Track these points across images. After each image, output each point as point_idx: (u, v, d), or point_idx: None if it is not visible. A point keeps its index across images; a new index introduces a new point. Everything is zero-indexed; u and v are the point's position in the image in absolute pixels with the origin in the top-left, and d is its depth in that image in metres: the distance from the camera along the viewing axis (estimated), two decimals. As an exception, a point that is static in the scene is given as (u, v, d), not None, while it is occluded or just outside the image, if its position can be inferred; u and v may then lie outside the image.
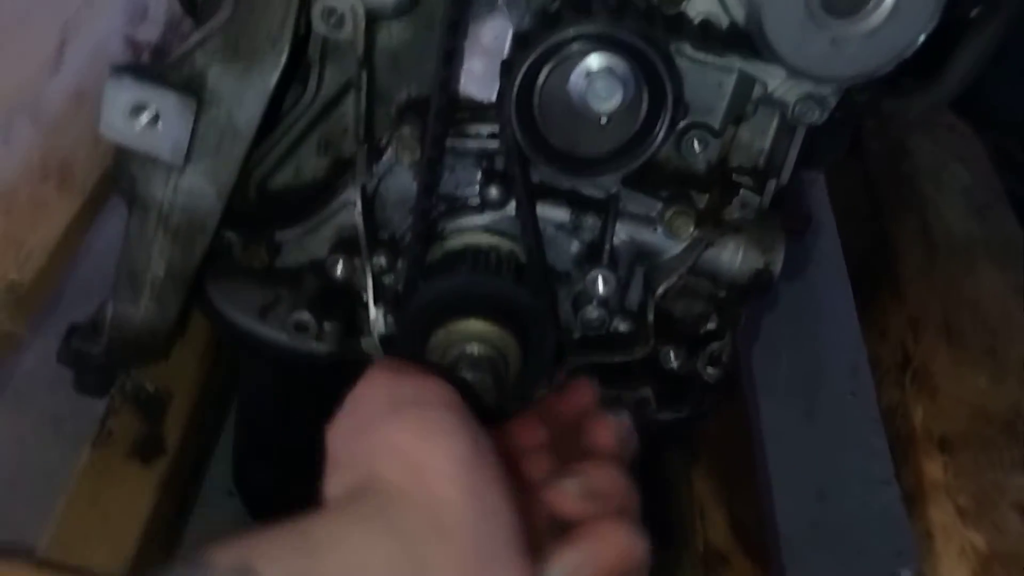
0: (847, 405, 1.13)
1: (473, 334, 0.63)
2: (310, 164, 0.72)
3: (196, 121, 0.62)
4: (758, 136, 0.69)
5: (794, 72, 0.55)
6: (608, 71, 0.56)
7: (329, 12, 0.61)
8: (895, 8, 0.50)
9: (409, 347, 0.65)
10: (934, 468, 0.72)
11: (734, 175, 0.70)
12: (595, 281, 0.67)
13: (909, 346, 0.80)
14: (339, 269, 0.70)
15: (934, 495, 0.70)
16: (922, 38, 0.52)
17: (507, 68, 0.58)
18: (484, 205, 0.68)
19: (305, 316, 0.69)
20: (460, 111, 0.67)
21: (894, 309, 0.84)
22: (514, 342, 0.64)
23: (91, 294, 0.78)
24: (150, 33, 0.84)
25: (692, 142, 0.67)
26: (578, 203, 0.68)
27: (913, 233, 0.90)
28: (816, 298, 1.12)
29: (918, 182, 0.97)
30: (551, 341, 0.66)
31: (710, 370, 0.74)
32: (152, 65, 0.62)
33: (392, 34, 0.65)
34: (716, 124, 0.67)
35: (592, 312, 0.69)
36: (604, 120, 0.59)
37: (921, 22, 0.51)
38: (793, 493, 1.05)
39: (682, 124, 0.65)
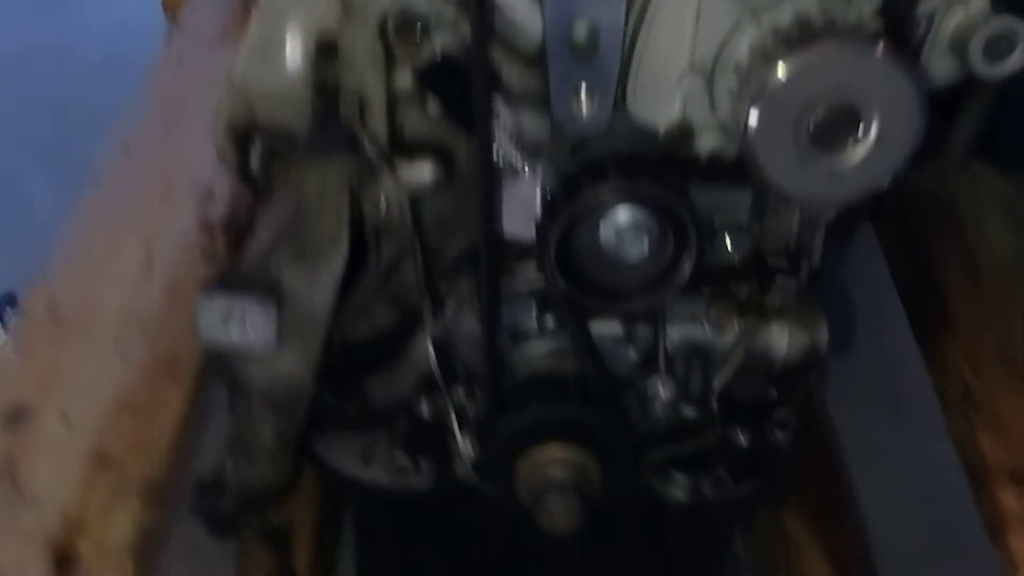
0: (930, 402, 1.14)
1: (553, 459, 0.70)
2: (383, 317, 0.79)
3: (279, 317, 0.70)
4: (784, 223, 0.73)
5: (798, 201, 0.60)
6: (632, 224, 0.62)
7: (376, 202, 0.69)
8: (879, 138, 0.55)
9: (499, 478, 0.72)
10: (1009, 500, 0.75)
11: (769, 259, 0.75)
12: (656, 388, 0.73)
13: (968, 378, 0.84)
14: (425, 409, 0.77)
15: (1013, 526, 0.74)
16: (911, 154, 0.56)
17: (541, 234, 0.65)
18: (543, 332, 0.74)
19: (403, 458, 0.76)
20: (506, 252, 0.73)
21: (948, 341, 0.87)
22: (592, 459, 0.70)
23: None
24: (219, 211, 0.93)
25: (724, 239, 0.72)
26: (628, 315, 0.74)
27: (956, 259, 0.92)
28: (879, 336, 1.13)
29: (954, 200, 0.99)
30: (626, 450, 0.73)
31: (780, 435, 0.79)
32: (234, 275, 0.70)
33: (435, 202, 0.72)
34: (743, 220, 0.72)
35: (658, 411, 0.75)
36: (637, 261, 0.64)
37: (907, 143, 0.55)
38: (888, 518, 1.07)
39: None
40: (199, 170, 0.92)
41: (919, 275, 0.94)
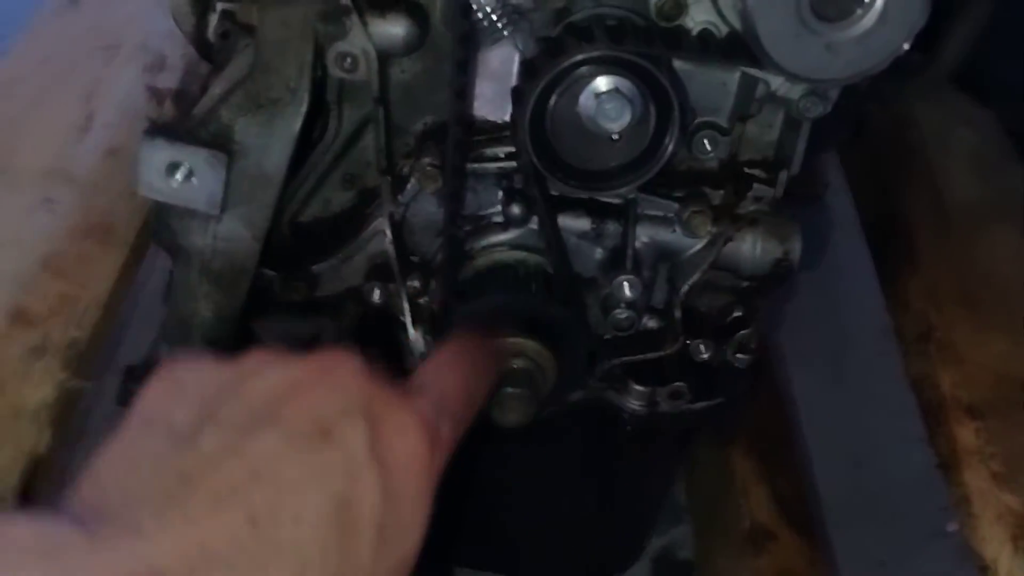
0: (876, 367, 1.14)
1: (510, 351, 0.66)
2: (338, 197, 0.75)
3: (228, 172, 0.65)
4: (765, 130, 0.71)
5: (793, 78, 0.57)
6: (615, 91, 0.59)
7: (343, 56, 0.64)
8: (884, 10, 0.52)
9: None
10: (966, 434, 0.74)
11: (746, 169, 0.72)
12: (621, 287, 0.69)
13: (931, 317, 0.83)
14: (376, 295, 0.73)
15: (968, 461, 0.73)
16: (913, 35, 0.53)
17: (517, 96, 0.61)
18: (508, 223, 0.71)
19: (350, 347, 0.72)
20: (476, 134, 0.69)
21: (913, 281, 0.86)
22: (549, 353, 0.67)
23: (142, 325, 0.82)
24: (170, 80, 0.87)
25: (702, 141, 0.69)
26: (598, 211, 0.71)
27: (925, 203, 0.92)
28: (837, 264, 1.13)
29: (925, 150, 0.98)
30: (583, 348, 0.69)
31: (739, 357, 0.77)
32: (181, 123, 0.65)
33: (404, 69, 0.68)
34: (724, 122, 0.69)
35: (621, 315, 0.71)
36: (616, 137, 0.61)
37: (911, 21, 0.53)
38: (832, 460, 1.06)
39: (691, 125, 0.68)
40: (151, 35, 0.86)
41: (886, 216, 0.93)
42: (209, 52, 0.83)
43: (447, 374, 0.49)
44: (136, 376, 0.79)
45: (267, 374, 0.43)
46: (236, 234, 0.68)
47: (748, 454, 0.98)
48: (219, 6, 0.80)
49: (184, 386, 0.42)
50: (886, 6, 0.52)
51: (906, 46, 0.54)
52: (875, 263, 0.96)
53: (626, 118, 0.59)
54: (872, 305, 0.94)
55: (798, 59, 0.54)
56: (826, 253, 0.99)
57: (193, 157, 0.64)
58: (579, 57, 0.58)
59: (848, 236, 1.03)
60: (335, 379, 0.44)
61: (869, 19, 0.53)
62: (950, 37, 0.66)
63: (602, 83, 0.59)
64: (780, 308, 1.03)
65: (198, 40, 0.82)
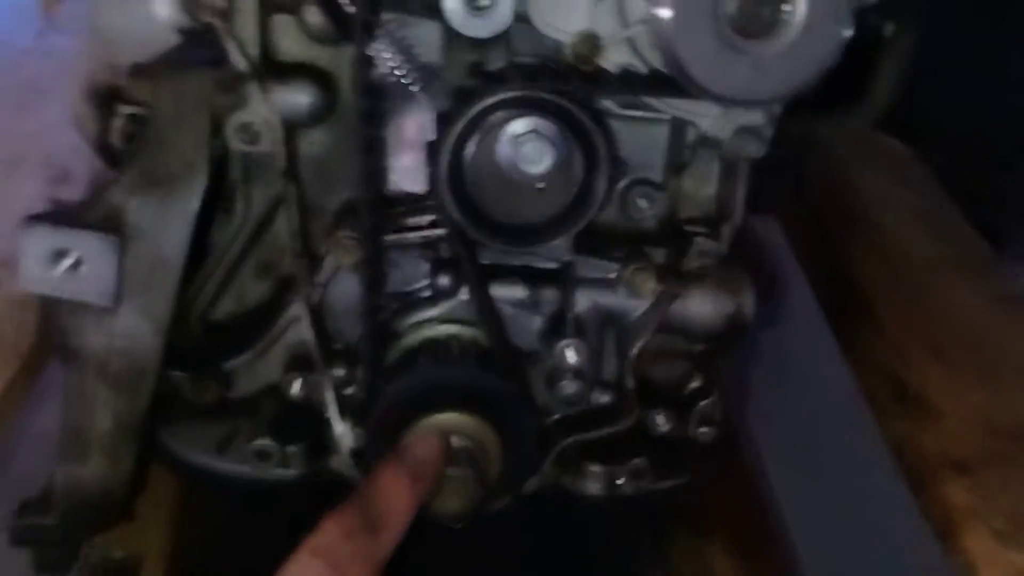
0: (855, 442, 1.08)
1: (445, 428, 0.59)
2: (252, 289, 0.69)
3: (121, 258, 0.59)
4: (702, 183, 0.67)
5: (722, 101, 0.54)
6: (533, 133, 0.55)
7: (243, 128, 0.60)
8: (807, 22, 0.49)
9: (380, 455, 0.61)
10: (958, 494, 0.68)
11: (686, 227, 0.68)
12: (563, 354, 0.63)
13: (901, 374, 0.77)
14: (296, 388, 0.66)
15: (966, 522, 0.66)
16: (840, 48, 0.51)
17: (433, 149, 0.57)
18: (436, 295, 0.65)
19: (266, 442, 0.64)
20: (396, 206, 0.65)
21: (878, 342, 0.81)
22: (490, 430, 0.60)
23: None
24: (74, 192, 0.82)
25: (636, 200, 0.65)
26: (533, 278, 0.66)
27: (878, 267, 0.89)
28: (798, 345, 1.08)
29: (871, 214, 0.96)
30: (529, 424, 0.63)
31: (703, 430, 0.70)
32: (68, 209, 0.60)
33: (313, 142, 0.64)
34: (658, 178, 0.65)
35: (568, 387, 0.65)
36: (540, 184, 0.57)
37: (835, 32, 0.50)
38: (820, 547, 0.99)
39: (624, 183, 0.64)
40: (55, 149, 0.81)
41: (842, 285, 0.90)
42: (114, 158, 0.79)
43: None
44: (32, 511, 0.70)
45: None
46: (135, 329, 0.62)
47: (726, 554, 0.90)
48: (123, 110, 0.77)
49: None
50: (809, 16, 0.50)
51: (832, 62, 0.51)
52: (836, 333, 0.92)
53: (548, 160, 0.55)
54: (836, 370, 0.89)
55: (725, 80, 0.51)
56: (780, 312, 0.95)
57: (81, 243, 0.58)
58: (493, 99, 0.54)
59: (803, 310, 0.99)
60: None
61: (792, 32, 0.50)
62: (878, 77, 0.64)
63: (519, 125, 0.55)
64: (740, 381, 0.98)
65: (102, 146, 0.78)
